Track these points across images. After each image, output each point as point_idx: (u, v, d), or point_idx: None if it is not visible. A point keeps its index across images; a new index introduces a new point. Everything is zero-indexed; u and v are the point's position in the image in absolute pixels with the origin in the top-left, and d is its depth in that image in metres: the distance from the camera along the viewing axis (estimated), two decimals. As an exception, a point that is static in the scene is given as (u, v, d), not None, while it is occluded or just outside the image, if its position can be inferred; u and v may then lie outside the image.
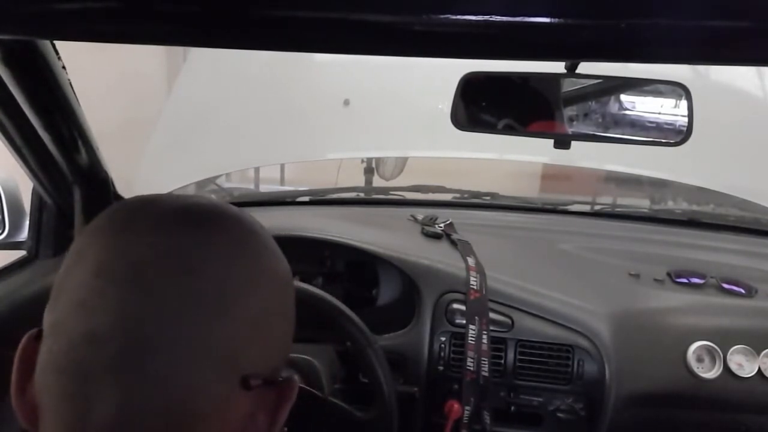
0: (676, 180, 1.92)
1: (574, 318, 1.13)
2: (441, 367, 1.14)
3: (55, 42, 0.74)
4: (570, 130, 0.92)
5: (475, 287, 1.14)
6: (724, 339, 1.12)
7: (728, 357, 1.11)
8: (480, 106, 0.92)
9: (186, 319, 0.36)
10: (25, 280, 0.98)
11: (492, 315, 1.13)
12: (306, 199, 1.73)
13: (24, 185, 1.03)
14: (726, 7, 0.34)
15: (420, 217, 1.46)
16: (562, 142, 0.86)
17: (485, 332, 1.11)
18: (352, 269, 1.28)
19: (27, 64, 0.72)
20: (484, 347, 1.10)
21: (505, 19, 0.35)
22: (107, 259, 0.37)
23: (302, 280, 1.14)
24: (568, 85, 0.90)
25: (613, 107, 0.93)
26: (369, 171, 2.64)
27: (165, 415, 0.36)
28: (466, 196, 1.70)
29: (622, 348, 1.12)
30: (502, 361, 1.13)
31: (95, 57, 2.33)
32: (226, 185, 2.74)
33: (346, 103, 1.83)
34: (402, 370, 1.13)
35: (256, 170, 3.58)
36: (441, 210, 1.51)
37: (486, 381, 1.10)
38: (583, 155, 1.80)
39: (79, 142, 0.90)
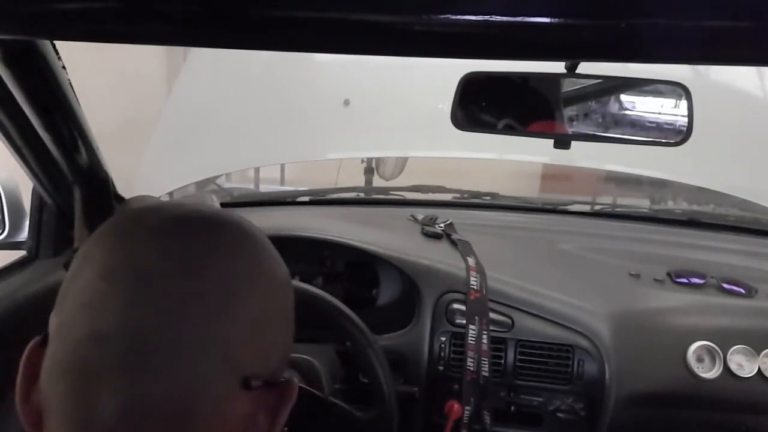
0: (676, 180, 1.92)
1: (574, 318, 1.13)
2: (441, 367, 1.14)
3: (55, 42, 0.74)
4: (570, 130, 0.92)
5: (475, 287, 1.14)
6: (724, 339, 1.12)
7: (728, 357, 1.11)
8: (480, 106, 0.92)
9: (188, 320, 0.37)
10: (25, 280, 0.98)
11: (492, 315, 1.13)
12: (306, 199, 1.73)
13: (24, 185, 1.03)
14: (726, 7, 0.34)
15: (420, 217, 1.46)
16: (562, 142, 0.86)
17: (485, 332, 1.11)
18: (352, 269, 1.28)
19: (27, 64, 0.72)
20: (484, 347, 1.10)
21: (505, 19, 0.35)
22: (112, 262, 0.39)
23: (302, 280, 1.14)
24: (568, 85, 0.90)
25: (613, 107, 0.93)
26: (369, 171, 2.64)
27: (168, 413, 0.37)
28: (466, 196, 1.70)
29: (622, 348, 1.12)
30: (502, 361, 1.13)
31: (95, 57, 2.33)
32: (226, 185, 2.74)
33: (346, 103, 1.83)
34: (402, 370, 1.13)
35: (256, 170, 3.58)
36: (441, 210, 1.51)
37: (486, 381, 1.10)
38: (583, 155, 1.80)
39: (79, 142, 0.90)
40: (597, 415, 1.11)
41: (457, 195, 1.70)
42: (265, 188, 3.56)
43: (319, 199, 1.74)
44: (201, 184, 2.03)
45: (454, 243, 1.31)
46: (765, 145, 1.61)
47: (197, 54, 1.83)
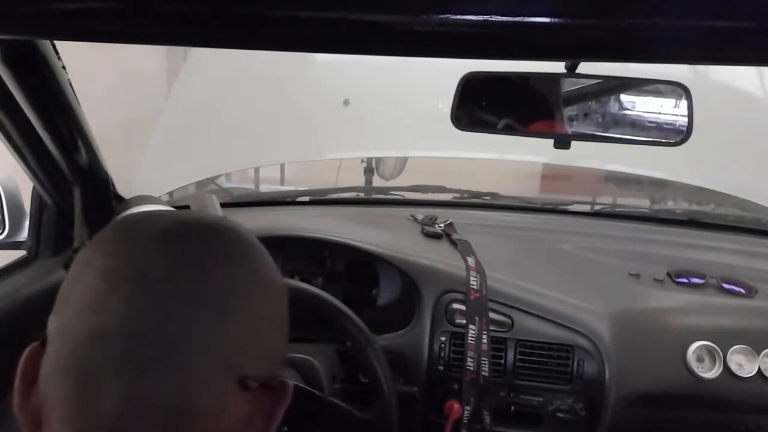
0: (676, 180, 1.92)
1: (574, 318, 1.13)
2: (441, 367, 1.14)
3: (55, 42, 0.74)
4: (570, 130, 0.92)
5: (475, 287, 1.14)
6: (724, 339, 1.12)
7: (728, 357, 1.11)
8: (480, 106, 0.92)
9: (188, 320, 0.38)
10: (25, 280, 0.98)
11: (492, 315, 1.13)
12: (306, 199, 1.73)
13: (24, 185, 1.03)
14: (726, 7, 0.34)
15: (420, 217, 1.46)
16: (562, 142, 0.86)
17: (485, 332, 1.11)
18: (352, 269, 1.28)
19: (27, 64, 0.72)
20: (484, 347, 1.10)
21: (505, 19, 0.35)
22: (114, 263, 0.40)
23: (302, 280, 1.14)
24: (568, 85, 0.90)
25: (613, 107, 0.93)
26: (369, 171, 2.64)
27: (166, 411, 0.37)
28: (466, 196, 1.70)
29: (622, 348, 1.12)
30: (502, 361, 1.13)
31: (95, 57, 2.32)
32: (226, 185, 2.74)
33: (346, 103, 1.83)
34: (402, 370, 1.13)
35: (256, 170, 3.57)
36: (441, 210, 1.51)
37: (486, 381, 1.10)
38: (583, 155, 1.80)
39: (79, 142, 0.90)
40: (597, 415, 1.11)
41: (457, 195, 1.70)
42: (265, 188, 3.55)
43: (319, 199, 1.74)
44: (201, 184, 2.03)
45: (454, 243, 1.31)
46: (765, 145, 1.61)
47: (197, 54, 1.83)
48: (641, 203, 2.89)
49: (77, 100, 0.84)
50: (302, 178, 3.67)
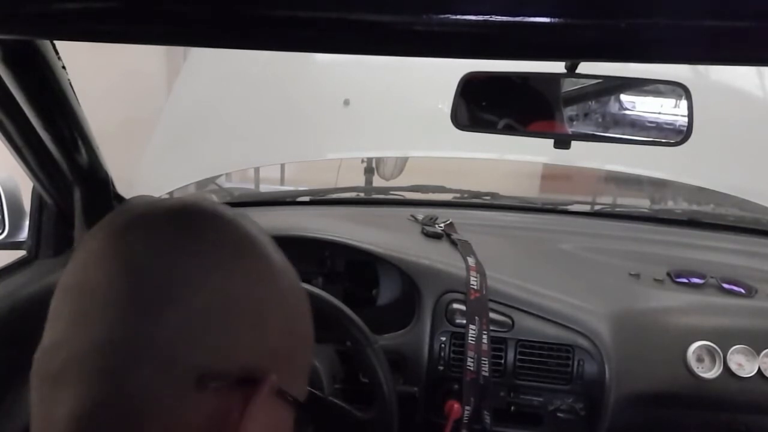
0: (676, 180, 1.92)
1: (574, 318, 1.13)
2: (441, 367, 1.14)
3: (55, 42, 0.74)
4: (570, 130, 0.92)
5: (475, 287, 1.14)
6: (724, 339, 1.12)
7: (728, 357, 1.11)
8: (480, 106, 0.92)
9: (124, 322, 0.38)
10: (25, 280, 0.98)
11: (492, 315, 1.13)
12: (306, 199, 1.73)
13: (24, 185, 1.03)
14: (726, 7, 0.34)
15: (420, 217, 1.46)
16: (562, 142, 0.86)
17: (485, 332, 1.11)
18: (352, 269, 1.28)
19: (27, 64, 0.72)
20: (484, 347, 1.10)
21: (505, 19, 0.35)
22: (66, 274, 0.42)
23: (302, 280, 1.13)
24: (568, 85, 0.90)
25: (613, 107, 0.93)
26: (369, 171, 2.64)
27: (118, 416, 0.37)
28: (466, 196, 1.70)
29: (622, 348, 1.12)
30: (502, 361, 1.13)
31: (95, 57, 2.32)
32: (227, 185, 2.74)
33: (346, 103, 1.83)
34: (402, 370, 1.13)
35: (256, 170, 3.57)
36: (441, 210, 1.51)
37: (486, 381, 1.10)
38: (583, 155, 1.80)
39: (79, 142, 0.90)
40: (597, 415, 1.11)
41: (457, 195, 1.70)
42: (265, 188, 3.56)
43: (319, 199, 1.74)
44: (201, 184, 2.03)
45: (454, 243, 1.31)
46: (765, 145, 1.61)
47: (197, 54, 1.83)
48: (641, 203, 2.90)
49: (77, 100, 0.84)
50: (302, 178, 3.67)
